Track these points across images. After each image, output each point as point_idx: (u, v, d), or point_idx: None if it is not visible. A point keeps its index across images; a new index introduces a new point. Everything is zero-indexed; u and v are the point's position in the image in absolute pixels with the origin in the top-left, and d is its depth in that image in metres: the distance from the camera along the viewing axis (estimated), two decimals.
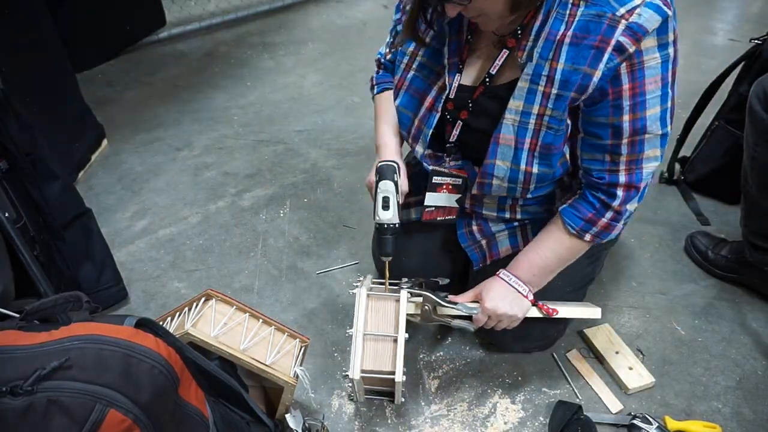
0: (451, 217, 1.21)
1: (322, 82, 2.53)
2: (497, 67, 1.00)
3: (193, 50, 2.80)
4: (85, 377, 0.67)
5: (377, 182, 1.09)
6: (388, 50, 1.24)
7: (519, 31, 0.95)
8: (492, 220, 1.22)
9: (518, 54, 0.95)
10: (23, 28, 1.70)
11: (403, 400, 1.21)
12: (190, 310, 1.06)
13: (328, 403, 1.24)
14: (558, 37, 0.90)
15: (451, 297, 1.15)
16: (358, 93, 2.43)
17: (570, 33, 0.89)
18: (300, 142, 2.12)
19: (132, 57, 2.72)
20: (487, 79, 1.02)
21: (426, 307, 1.13)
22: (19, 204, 1.15)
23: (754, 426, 1.19)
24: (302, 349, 1.13)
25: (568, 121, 0.97)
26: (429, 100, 1.10)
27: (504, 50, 0.99)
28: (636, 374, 1.26)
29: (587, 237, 1.05)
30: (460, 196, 1.17)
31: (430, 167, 1.13)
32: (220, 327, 1.03)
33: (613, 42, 0.85)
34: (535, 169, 1.00)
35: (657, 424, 1.14)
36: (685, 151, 1.83)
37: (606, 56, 0.86)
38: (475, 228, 1.24)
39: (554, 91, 0.92)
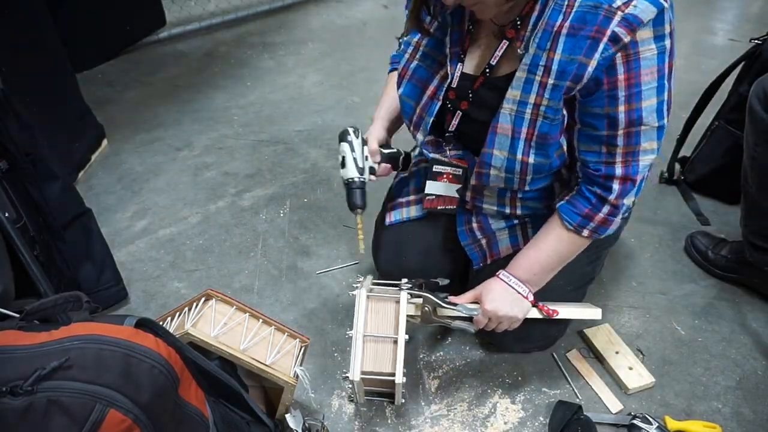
0: (451, 206, 1.21)
1: (322, 82, 2.53)
2: (497, 58, 1.02)
3: (193, 50, 2.80)
4: (85, 377, 0.67)
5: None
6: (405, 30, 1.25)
7: (518, 22, 0.97)
8: (492, 215, 1.22)
9: (517, 44, 0.97)
10: (23, 28, 1.70)
11: (403, 401, 1.21)
12: (190, 310, 1.06)
13: (328, 403, 1.24)
14: (555, 28, 0.91)
15: (451, 298, 1.15)
16: (358, 93, 2.43)
17: (567, 24, 0.90)
18: (300, 142, 2.12)
19: (132, 57, 2.72)
20: (488, 70, 1.04)
21: (426, 308, 1.13)
22: (19, 204, 1.15)
23: (754, 426, 1.19)
24: (302, 349, 1.13)
25: (564, 112, 0.97)
26: (431, 88, 1.11)
27: (504, 41, 1.00)
28: (636, 374, 1.26)
29: (585, 233, 1.05)
30: (460, 186, 1.18)
31: (431, 155, 1.15)
32: (220, 327, 1.03)
33: (608, 32, 0.86)
34: (531, 159, 1.01)
35: (657, 424, 1.14)
36: (685, 151, 1.83)
37: (601, 46, 0.87)
38: (475, 225, 1.24)
39: (551, 81, 0.93)
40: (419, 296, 1.13)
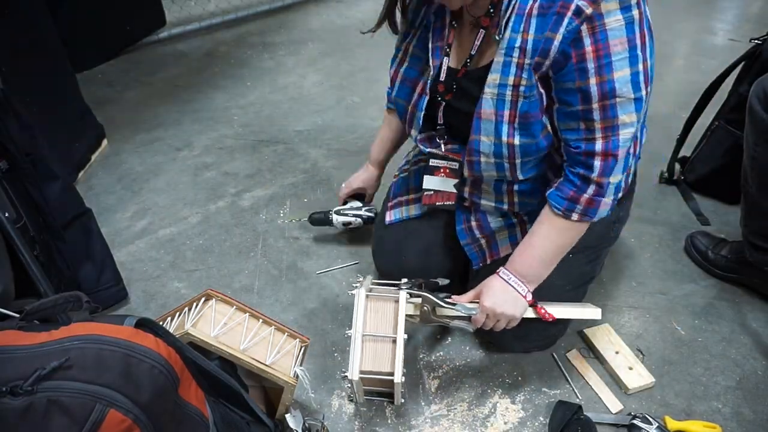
0: (450, 202, 1.22)
1: (322, 82, 2.53)
2: (476, 47, 1.05)
3: (193, 50, 2.80)
4: (85, 377, 0.67)
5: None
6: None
7: (491, 10, 1.01)
8: (490, 212, 1.23)
9: (492, 31, 1.01)
10: (23, 28, 1.70)
11: (402, 400, 1.21)
12: (190, 310, 1.06)
13: (328, 403, 1.24)
14: (527, 10, 0.93)
15: (451, 298, 1.15)
16: (358, 93, 2.43)
17: (537, 5, 0.92)
18: (300, 142, 2.12)
19: (132, 57, 2.72)
20: (468, 61, 1.07)
21: (425, 307, 1.13)
22: (19, 204, 1.15)
23: (754, 426, 1.19)
24: (302, 349, 1.13)
25: (541, 90, 0.98)
26: (420, 85, 1.15)
27: (480, 30, 1.03)
28: (636, 374, 1.26)
29: (574, 216, 1.05)
30: (457, 180, 1.19)
31: (427, 150, 1.18)
32: (220, 327, 1.03)
33: (572, 6, 0.88)
34: (516, 141, 1.02)
35: (657, 424, 1.14)
36: (685, 151, 1.83)
37: (566, 20, 0.89)
38: (474, 224, 1.24)
39: (527, 61, 0.95)
40: (419, 296, 1.13)
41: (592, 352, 1.34)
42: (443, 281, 1.22)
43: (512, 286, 1.11)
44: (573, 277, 1.22)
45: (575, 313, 1.19)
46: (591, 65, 0.91)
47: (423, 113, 1.15)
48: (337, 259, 1.60)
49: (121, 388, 0.68)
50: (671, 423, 1.17)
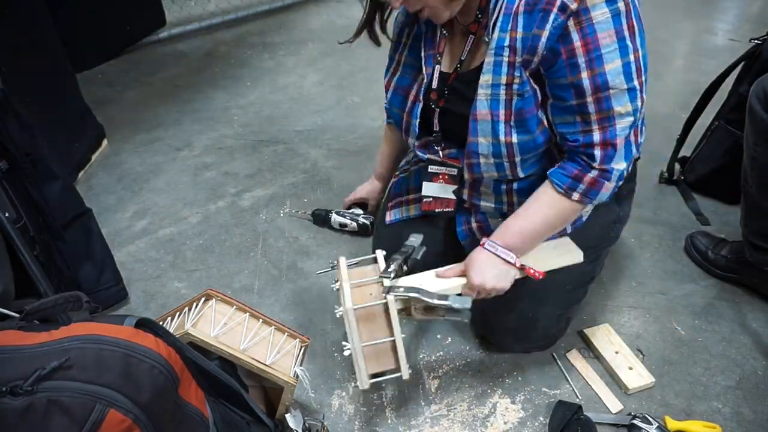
0: (449, 209, 1.22)
1: (322, 82, 2.53)
2: (466, 52, 1.06)
3: (193, 50, 2.80)
4: (85, 377, 0.67)
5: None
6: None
7: (479, 15, 1.02)
8: (490, 213, 1.22)
9: (481, 33, 1.02)
10: (23, 28, 1.70)
11: (410, 371, 1.14)
12: (190, 310, 1.06)
13: (328, 403, 1.24)
14: (514, 9, 0.94)
15: (437, 271, 1.13)
16: (358, 93, 2.43)
17: (523, 2, 0.93)
18: (300, 142, 2.12)
19: (132, 57, 2.72)
20: (458, 65, 1.08)
21: (415, 306, 1.11)
22: (19, 204, 1.15)
23: (754, 426, 1.19)
24: (302, 349, 1.13)
25: (534, 86, 0.99)
26: (413, 93, 1.16)
27: (470, 36, 1.04)
28: (636, 374, 1.26)
29: (575, 196, 1.04)
30: (456, 187, 1.19)
31: (426, 156, 1.18)
32: (220, 327, 1.03)
33: (558, 2, 0.89)
34: (514, 139, 1.02)
35: (657, 424, 1.14)
36: (685, 151, 1.83)
37: (552, 16, 0.90)
38: (474, 225, 1.24)
39: (517, 59, 0.96)
40: (407, 297, 1.10)
41: (592, 352, 1.34)
42: (417, 237, 1.18)
43: (500, 256, 1.08)
44: (573, 277, 1.22)
45: (560, 261, 1.16)
46: (581, 60, 0.92)
47: (418, 120, 1.16)
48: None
49: (121, 388, 0.68)
50: (671, 423, 1.17)
